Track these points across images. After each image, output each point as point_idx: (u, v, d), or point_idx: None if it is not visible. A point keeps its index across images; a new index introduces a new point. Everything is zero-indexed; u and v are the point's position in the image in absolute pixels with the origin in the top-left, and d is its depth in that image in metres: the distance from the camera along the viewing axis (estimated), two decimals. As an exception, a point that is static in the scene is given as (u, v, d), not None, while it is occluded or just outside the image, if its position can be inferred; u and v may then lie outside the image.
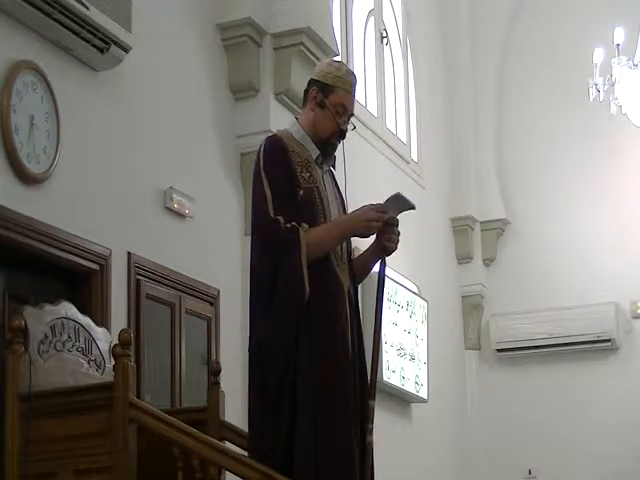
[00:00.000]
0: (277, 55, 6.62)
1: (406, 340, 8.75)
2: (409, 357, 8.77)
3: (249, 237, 3.90)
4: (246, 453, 3.85)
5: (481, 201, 10.66)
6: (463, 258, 10.66)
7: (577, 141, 10.58)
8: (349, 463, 3.63)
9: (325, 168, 3.95)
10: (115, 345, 3.84)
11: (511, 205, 10.78)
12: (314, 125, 3.90)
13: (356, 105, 4.08)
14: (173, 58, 6.07)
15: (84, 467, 3.78)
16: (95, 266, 5.17)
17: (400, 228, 3.89)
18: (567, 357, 10.27)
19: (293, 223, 3.68)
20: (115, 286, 5.29)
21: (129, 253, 5.44)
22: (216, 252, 6.26)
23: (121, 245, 5.37)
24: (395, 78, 9.52)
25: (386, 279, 3.94)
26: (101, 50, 5.16)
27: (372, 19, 9.05)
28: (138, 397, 4.16)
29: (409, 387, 8.75)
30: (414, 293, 9.05)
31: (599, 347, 10.19)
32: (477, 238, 10.73)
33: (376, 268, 3.95)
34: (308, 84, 3.96)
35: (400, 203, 3.85)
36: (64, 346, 4.16)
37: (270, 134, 4.03)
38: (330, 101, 3.87)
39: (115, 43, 5.19)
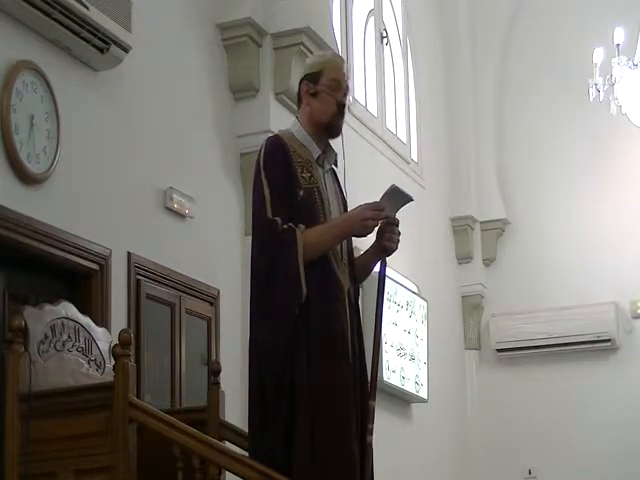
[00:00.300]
0: (277, 55, 6.62)
1: (406, 340, 8.75)
2: (409, 357, 8.77)
3: (249, 237, 3.90)
4: (246, 453, 3.85)
5: (481, 201, 10.66)
6: (463, 258, 10.65)
7: (577, 141, 10.58)
8: (349, 463, 3.63)
9: (327, 167, 3.93)
10: (115, 345, 3.84)
11: (511, 205, 10.77)
12: (313, 116, 3.88)
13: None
14: (173, 58, 6.07)
15: (84, 467, 3.78)
16: (95, 266, 5.17)
17: (400, 228, 3.88)
18: (567, 357, 10.26)
19: (290, 224, 3.67)
20: (115, 286, 5.29)
21: (129, 253, 5.44)
22: (216, 252, 6.26)
23: (121, 245, 5.37)
24: (395, 78, 9.50)
25: (386, 279, 3.93)
26: (101, 50, 5.16)
27: (372, 19, 9.04)
28: (138, 397, 4.15)
29: (409, 387, 8.75)
30: (414, 293, 9.05)
31: (599, 347, 10.17)
32: (477, 238, 10.72)
33: (377, 268, 3.94)
34: (299, 85, 3.96)
35: (397, 197, 3.83)
36: (64, 346, 4.16)
37: (270, 134, 4.03)
38: (322, 83, 3.86)
39: (115, 43, 5.19)
